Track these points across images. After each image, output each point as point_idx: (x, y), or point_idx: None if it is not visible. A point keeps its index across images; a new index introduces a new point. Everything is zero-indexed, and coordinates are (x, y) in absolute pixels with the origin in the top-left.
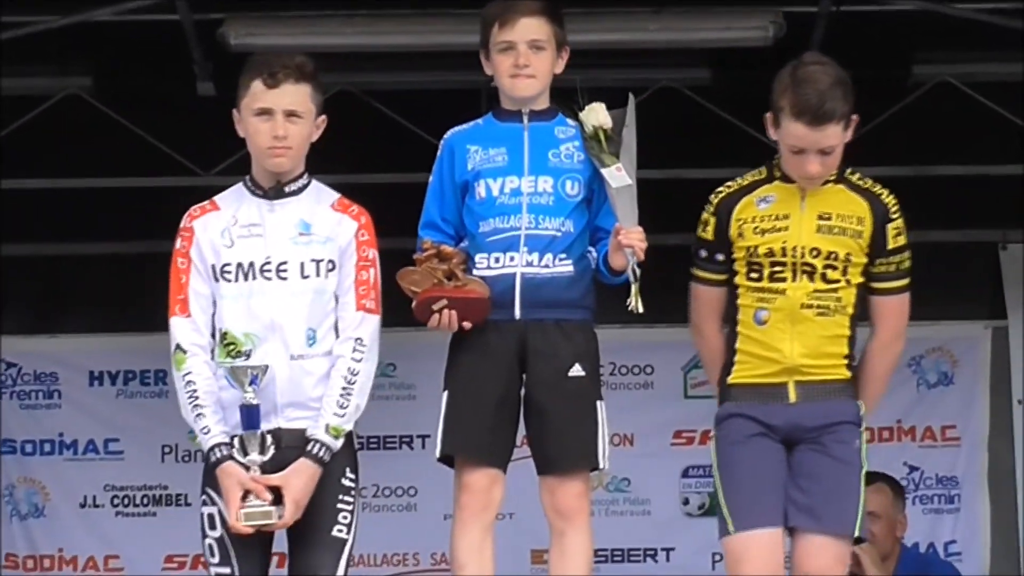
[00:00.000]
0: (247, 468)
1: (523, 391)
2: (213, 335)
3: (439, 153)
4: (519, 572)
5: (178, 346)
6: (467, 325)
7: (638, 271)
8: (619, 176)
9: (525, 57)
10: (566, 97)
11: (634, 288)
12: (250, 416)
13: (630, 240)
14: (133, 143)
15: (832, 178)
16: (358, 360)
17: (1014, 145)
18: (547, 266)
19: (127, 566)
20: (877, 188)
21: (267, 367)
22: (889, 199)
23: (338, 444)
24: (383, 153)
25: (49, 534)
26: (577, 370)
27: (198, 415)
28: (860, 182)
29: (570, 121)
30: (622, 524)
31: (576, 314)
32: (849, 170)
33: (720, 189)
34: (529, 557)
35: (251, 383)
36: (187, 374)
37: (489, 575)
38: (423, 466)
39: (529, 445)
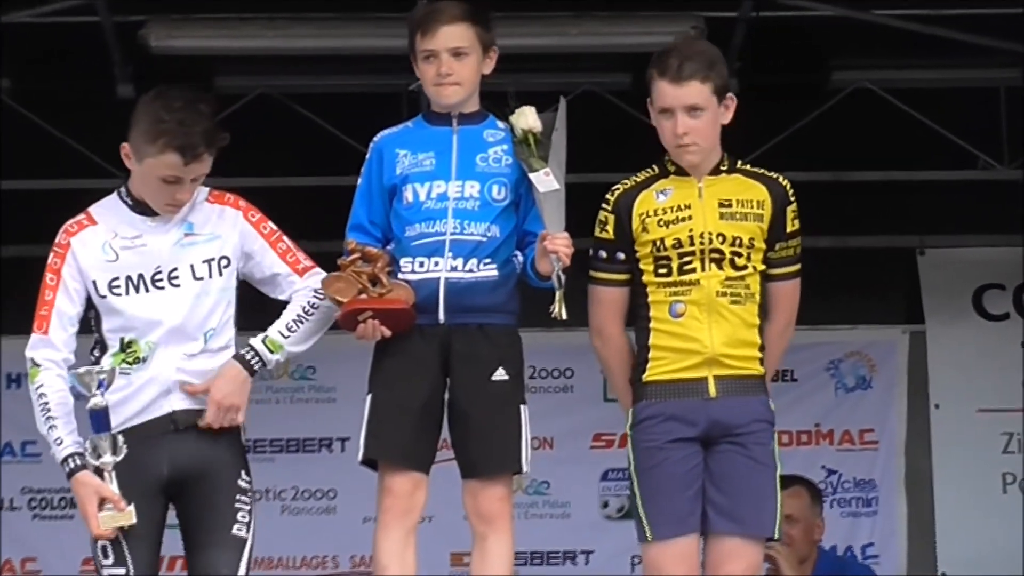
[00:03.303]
0: (100, 472)
1: (447, 395)
2: (103, 345)
3: (368, 156)
4: (438, 574)
5: (31, 360)
6: (387, 332)
7: (563, 277)
8: (547, 181)
9: (447, 65)
10: (497, 101)
11: (558, 294)
12: (100, 419)
13: (555, 246)
14: (52, 145)
15: (725, 168)
16: (320, 298)
17: (932, 151)
18: (471, 271)
19: (44, 568)
20: (772, 173)
21: (114, 370)
22: (785, 182)
23: (271, 359)
24: (302, 156)
25: None
26: (500, 374)
27: (51, 427)
28: (754, 170)
29: (500, 124)
30: (542, 527)
31: (500, 318)
32: (740, 161)
33: (615, 187)
34: (448, 560)
35: (99, 387)
36: (39, 387)
37: None
38: (343, 469)
39: (453, 449)
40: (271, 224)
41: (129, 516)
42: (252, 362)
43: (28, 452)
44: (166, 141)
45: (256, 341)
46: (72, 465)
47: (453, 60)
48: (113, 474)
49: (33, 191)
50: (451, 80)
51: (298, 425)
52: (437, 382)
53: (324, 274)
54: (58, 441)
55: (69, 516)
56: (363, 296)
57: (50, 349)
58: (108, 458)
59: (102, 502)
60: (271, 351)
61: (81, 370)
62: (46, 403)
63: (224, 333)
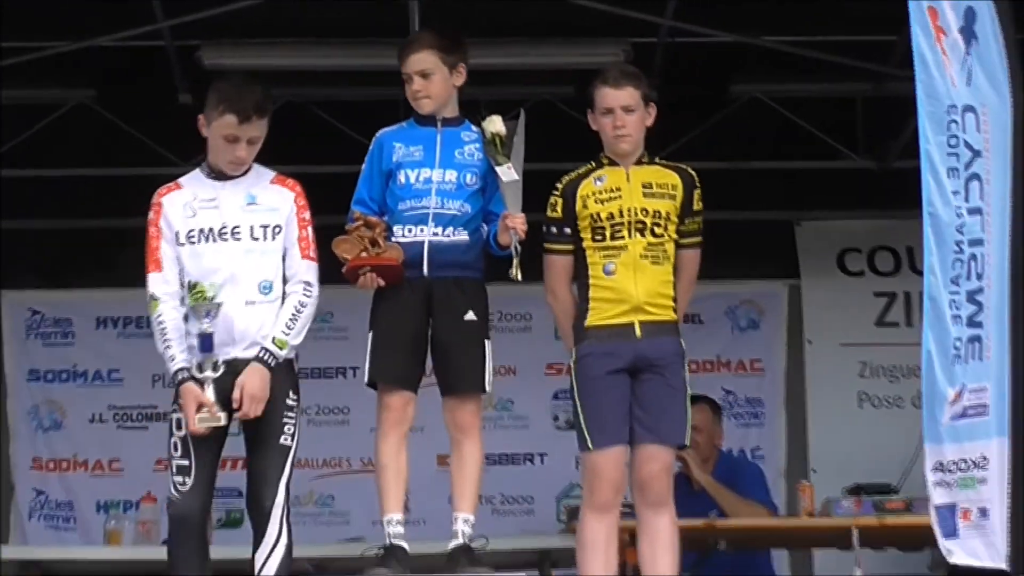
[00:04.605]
0: (202, 383)
1: (430, 332)
2: (182, 285)
3: (371, 147)
4: (427, 472)
5: (152, 295)
6: (382, 283)
7: (519, 248)
8: (508, 172)
9: (418, 84)
10: (471, 109)
11: (515, 261)
12: (205, 342)
13: (514, 223)
14: (128, 141)
15: (646, 161)
16: (308, 296)
17: (805, 146)
18: (449, 236)
19: (126, 468)
20: (682, 165)
21: (219, 304)
22: (692, 172)
23: (281, 354)
24: (321, 149)
25: (65, 443)
26: (470, 316)
27: (166, 347)
28: (668, 163)
29: (474, 128)
30: (507, 435)
31: (470, 273)
32: (657, 157)
33: (563, 178)
34: (435, 461)
35: (206, 316)
36: (159, 316)
37: (404, 473)
38: (354, 391)
39: (435, 374)
40: (308, 213)
41: (220, 419)
42: (269, 360)
43: (113, 377)
44: (225, 106)
45: (267, 342)
46: (181, 377)
47: (422, 80)
48: (211, 386)
49: (116, 176)
50: (422, 95)
51: (320, 357)
52: (422, 322)
53: (316, 268)
54: (171, 358)
55: (145, 427)
56: (364, 255)
57: (165, 284)
58: (208, 373)
59: (199, 407)
60: (280, 348)
61: (192, 303)
62: (164, 328)
63: (278, 286)
